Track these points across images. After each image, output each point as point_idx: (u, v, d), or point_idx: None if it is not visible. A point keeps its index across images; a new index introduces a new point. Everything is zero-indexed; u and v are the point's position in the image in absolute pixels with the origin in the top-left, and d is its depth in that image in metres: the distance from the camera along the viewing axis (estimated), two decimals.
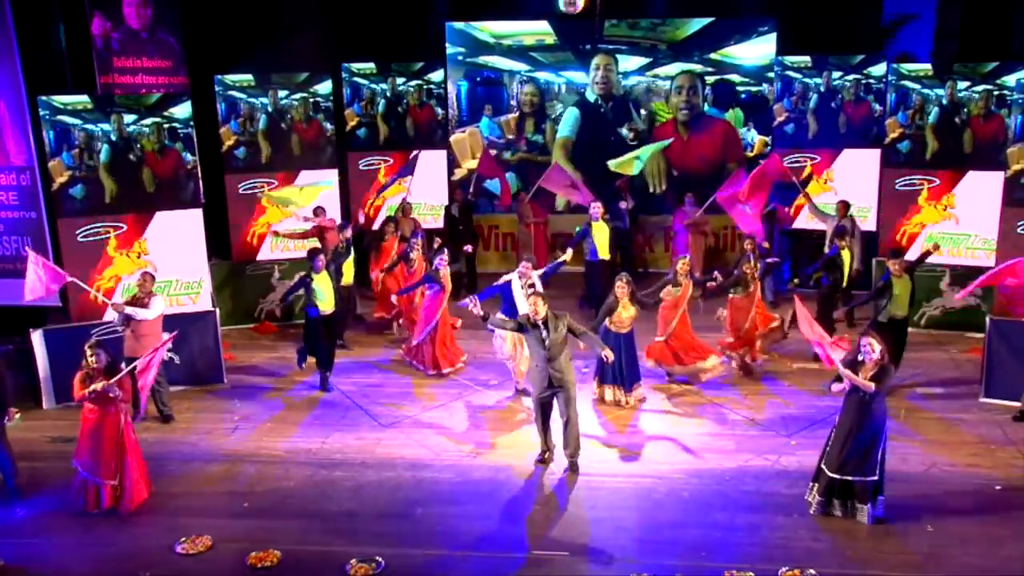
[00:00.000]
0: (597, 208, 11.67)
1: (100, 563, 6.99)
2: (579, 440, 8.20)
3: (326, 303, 10.14)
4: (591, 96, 14.71)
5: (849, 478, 7.13)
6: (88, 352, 7.57)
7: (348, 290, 11.51)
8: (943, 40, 13.52)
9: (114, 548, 7.16)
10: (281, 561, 6.86)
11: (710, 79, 14.44)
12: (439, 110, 14.48)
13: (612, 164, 12.45)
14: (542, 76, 14.76)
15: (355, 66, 14.03)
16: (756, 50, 14.11)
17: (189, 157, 10.61)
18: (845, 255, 10.83)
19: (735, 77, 14.44)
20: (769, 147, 14.09)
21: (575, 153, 14.94)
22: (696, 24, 14.10)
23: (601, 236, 11.69)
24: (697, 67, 14.35)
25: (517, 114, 14.97)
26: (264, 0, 13.63)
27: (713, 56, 14.16)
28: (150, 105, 10.50)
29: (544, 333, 7.94)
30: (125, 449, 7.59)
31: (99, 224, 10.21)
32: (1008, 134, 10.69)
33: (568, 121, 14.88)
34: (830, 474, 7.19)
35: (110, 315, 9.34)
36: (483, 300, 9.00)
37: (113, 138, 10.22)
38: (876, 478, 7.13)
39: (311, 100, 12.51)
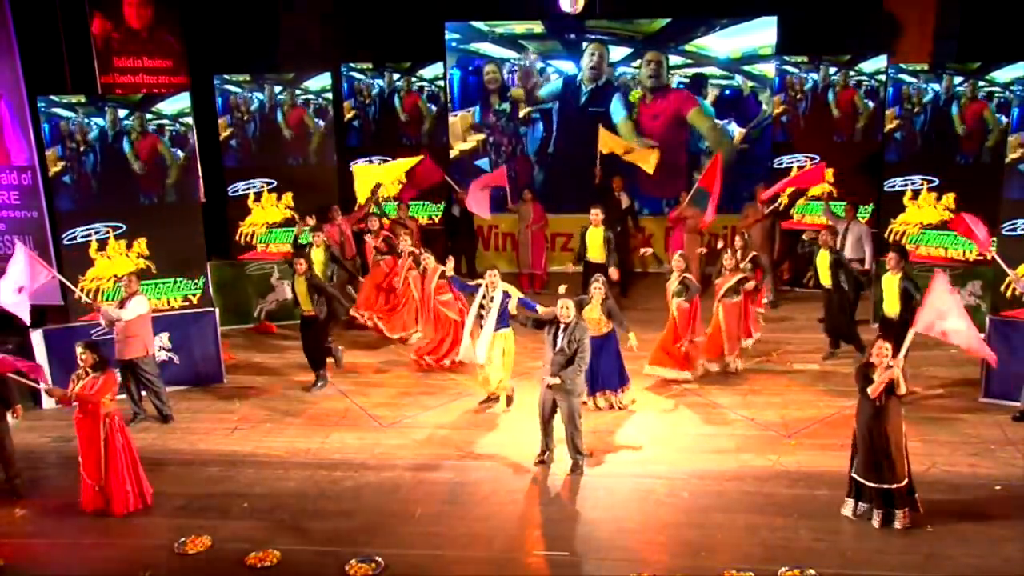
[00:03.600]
0: (596, 216, 11.73)
1: (100, 563, 7.00)
2: (581, 445, 8.19)
3: (303, 305, 10.14)
4: (582, 82, 15.09)
5: (886, 486, 7.06)
6: (79, 351, 7.65)
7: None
8: (942, 41, 13.54)
9: (114, 548, 7.17)
10: (281, 561, 6.87)
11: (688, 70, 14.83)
12: (431, 107, 14.55)
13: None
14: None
15: (352, 63, 14.21)
16: (729, 44, 14.52)
17: (179, 154, 10.59)
18: (820, 255, 10.70)
19: (710, 70, 14.73)
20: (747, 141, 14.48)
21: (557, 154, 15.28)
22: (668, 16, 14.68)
23: (594, 239, 11.73)
24: (677, 59, 14.74)
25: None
26: (264, 0, 13.65)
27: (688, 48, 14.70)
28: (143, 101, 10.49)
29: (561, 337, 7.97)
30: (109, 453, 7.54)
31: (98, 224, 10.21)
32: (1003, 125, 10.73)
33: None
34: (868, 484, 7.11)
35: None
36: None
37: (109, 133, 10.20)
38: (908, 481, 7.11)
39: (305, 97, 12.50)
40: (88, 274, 10.07)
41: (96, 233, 10.15)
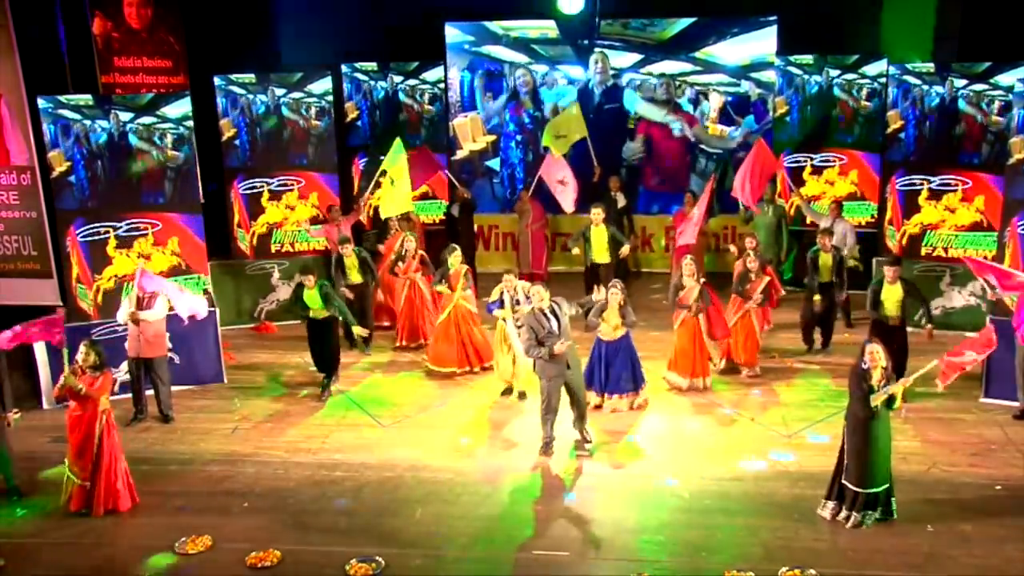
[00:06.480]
0: (597, 214, 11.74)
1: (100, 563, 7.00)
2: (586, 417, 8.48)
3: (316, 311, 10.03)
4: (592, 85, 15.14)
5: (873, 490, 7.08)
6: (82, 349, 7.64)
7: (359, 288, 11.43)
8: (943, 41, 13.53)
9: (114, 548, 7.17)
10: (281, 561, 6.86)
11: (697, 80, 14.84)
12: (432, 107, 14.56)
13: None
14: (540, 69, 15.07)
15: (355, 64, 14.21)
16: (738, 51, 14.51)
17: (181, 156, 10.59)
18: (823, 257, 10.78)
19: (716, 78, 14.75)
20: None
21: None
22: (680, 24, 14.59)
23: (599, 239, 11.74)
24: (687, 66, 14.72)
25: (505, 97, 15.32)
26: (264, 0, 13.66)
27: (698, 55, 14.68)
28: (147, 105, 10.50)
29: (555, 322, 8.14)
30: (102, 451, 7.54)
31: (100, 224, 10.25)
32: (1009, 127, 10.72)
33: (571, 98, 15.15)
34: (855, 488, 7.10)
35: (121, 315, 9.31)
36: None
37: (113, 132, 10.22)
38: (888, 485, 7.14)
39: (308, 99, 12.48)
40: (105, 272, 10.26)
41: (109, 231, 10.30)
